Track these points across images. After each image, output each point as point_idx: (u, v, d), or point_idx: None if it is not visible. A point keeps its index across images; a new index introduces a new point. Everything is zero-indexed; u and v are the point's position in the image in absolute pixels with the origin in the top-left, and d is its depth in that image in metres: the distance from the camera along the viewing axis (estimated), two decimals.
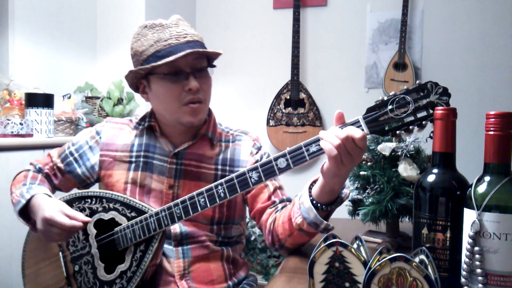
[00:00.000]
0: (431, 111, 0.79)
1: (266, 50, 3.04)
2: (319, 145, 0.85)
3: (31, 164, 1.23)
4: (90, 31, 2.65)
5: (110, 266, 1.04)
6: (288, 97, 2.86)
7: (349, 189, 1.01)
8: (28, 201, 1.06)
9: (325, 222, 0.94)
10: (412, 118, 0.80)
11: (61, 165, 1.20)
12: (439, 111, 0.74)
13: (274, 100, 2.89)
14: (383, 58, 2.79)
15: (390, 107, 0.81)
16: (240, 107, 3.11)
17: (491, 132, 0.67)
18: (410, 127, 0.80)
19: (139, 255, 1.00)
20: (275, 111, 2.89)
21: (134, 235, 1.01)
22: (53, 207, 1.00)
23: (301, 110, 2.84)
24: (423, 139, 0.97)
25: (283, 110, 2.87)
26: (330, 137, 0.82)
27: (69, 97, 2.19)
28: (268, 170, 0.89)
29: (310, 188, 0.98)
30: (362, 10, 2.84)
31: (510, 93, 2.59)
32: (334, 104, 2.88)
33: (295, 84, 2.85)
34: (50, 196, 1.08)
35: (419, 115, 0.80)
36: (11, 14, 2.16)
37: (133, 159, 1.14)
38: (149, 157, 1.13)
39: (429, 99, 0.79)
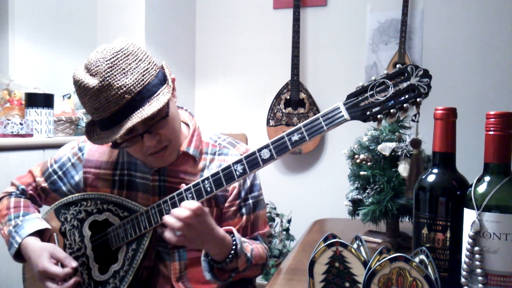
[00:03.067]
0: (412, 94, 0.78)
1: (266, 50, 3.04)
2: (301, 133, 0.85)
3: (12, 184, 1.20)
4: (90, 31, 2.65)
5: (104, 267, 1.05)
6: (288, 97, 2.86)
7: (248, 246, 1.03)
8: (19, 244, 1.07)
9: (208, 275, 0.98)
10: (393, 101, 0.80)
11: (45, 184, 1.17)
12: (439, 111, 0.74)
13: (274, 100, 2.89)
14: (383, 58, 2.79)
15: (370, 92, 0.81)
16: (240, 107, 3.11)
17: (491, 132, 0.67)
18: (392, 110, 0.80)
19: (131, 254, 1.01)
20: (275, 111, 2.89)
21: (125, 234, 1.02)
22: (43, 257, 1.02)
23: (301, 110, 2.84)
24: (423, 139, 0.96)
25: (283, 110, 2.87)
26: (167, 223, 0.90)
27: (69, 97, 2.19)
28: (252, 162, 0.89)
29: None
30: (362, 10, 2.84)
31: (510, 93, 2.59)
32: (334, 104, 2.88)
33: (295, 84, 2.85)
34: (39, 226, 1.09)
35: (400, 98, 0.79)
36: (11, 14, 2.16)
37: (117, 178, 1.11)
38: (132, 175, 1.11)
39: (409, 82, 0.79)
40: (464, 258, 0.67)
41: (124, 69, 0.91)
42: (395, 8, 2.75)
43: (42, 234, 1.11)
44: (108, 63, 0.91)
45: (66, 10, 2.46)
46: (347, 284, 0.71)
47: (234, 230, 0.99)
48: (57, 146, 1.27)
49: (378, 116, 0.81)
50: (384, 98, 0.80)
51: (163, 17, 2.78)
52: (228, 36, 3.12)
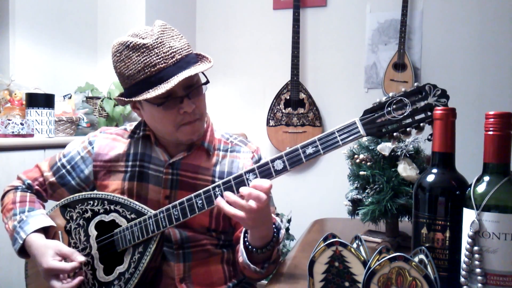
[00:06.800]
0: (429, 113, 0.79)
1: (266, 51, 3.04)
2: (316, 147, 0.85)
3: (18, 178, 1.20)
4: (90, 31, 2.65)
5: (109, 268, 1.04)
6: (288, 97, 2.87)
7: (283, 232, 1.03)
8: (24, 240, 1.07)
9: (252, 266, 0.96)
10: (409, 120, 0.80)
11: (53, 179, 1.16)
12: (438, 111, 0.74)
13: (274, 100, 2.89)
14: (382, 58, 2.79)
15: (387, 109, 0.81)
16: (240, 107, 3.11)
17: (490, 132, 0.67)
18: (408, 129, 0.80)
19: (137, 256, 1.01)
20: (275, 111, 2.89)
21: (133, 236, 1.01)
22: (47, 255, 1.02)
23: (301, 110, 2.85)
24: (423, 139, 0.97)
25: (283, 110, 2.87)
26: (233, 202, 0.87)
27: (70, 97, 2.20)
28: (265, 172, 0.89)
29: (246, 232, 1.00)
30: (362, 10, 2.84)
31: (510, 93, 2.59)
32: (334, 104, 2.89)
33: (295, 84, 2.85)
34: (44, 223, 1.09)
35: (417, 117, 0.80)
36: (12, 14, 2.16)
37: (128, 169, 1.12)
38: (144, 167, 1.11)
39: (427, 101, 0.79)
40: (463, 258, 0.68)
41: (172, 36, 0.99)
42: (395, 8, 2.75)
43: (47, 231, 1.10)
44: (159, 28, 0.98)
45: (66, 10, 2.47)
46: (346, 284, 0.71)
47: (273, 215, 1.00)
48: (58, 146, 1.28)
49: (394, 134, 0.81)
50: (401, 116, 0.80)
51: (163, 17, 2.79)
52: (228, 36, 3.13)
